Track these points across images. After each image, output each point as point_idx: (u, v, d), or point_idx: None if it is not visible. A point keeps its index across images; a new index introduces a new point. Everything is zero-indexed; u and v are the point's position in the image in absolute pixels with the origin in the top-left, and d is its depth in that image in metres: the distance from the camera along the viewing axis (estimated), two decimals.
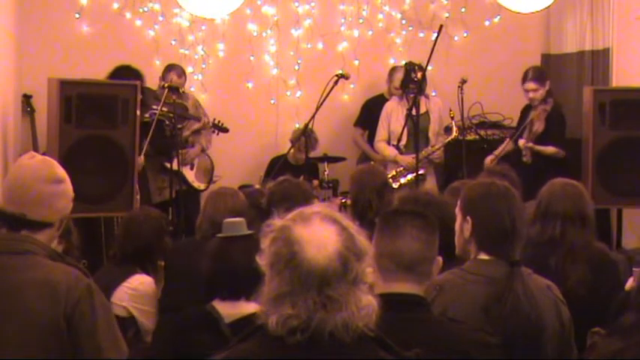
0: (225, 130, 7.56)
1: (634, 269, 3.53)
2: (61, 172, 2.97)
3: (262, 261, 2.03)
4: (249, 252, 3.27)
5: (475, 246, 3.06)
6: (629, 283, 3.46)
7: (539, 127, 7.06)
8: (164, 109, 6.83)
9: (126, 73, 6.79)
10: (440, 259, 2.72)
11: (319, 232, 2.00)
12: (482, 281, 2.97)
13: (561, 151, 7.10)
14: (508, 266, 2.96)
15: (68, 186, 2.98)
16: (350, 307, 1.97)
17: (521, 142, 7.03)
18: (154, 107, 6.84)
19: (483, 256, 3.03)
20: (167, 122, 6.96)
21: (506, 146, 7.19)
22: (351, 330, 1.97)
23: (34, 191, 2.87)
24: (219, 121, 7.53)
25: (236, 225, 3.46)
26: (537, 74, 7.15)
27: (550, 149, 7.06)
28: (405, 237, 2.62)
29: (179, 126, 7.10)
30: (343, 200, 6.50)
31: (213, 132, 7.58)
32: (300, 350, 1.97)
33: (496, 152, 7.17)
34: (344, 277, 1.97)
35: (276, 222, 2.05)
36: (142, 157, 6.62)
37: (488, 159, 7.12)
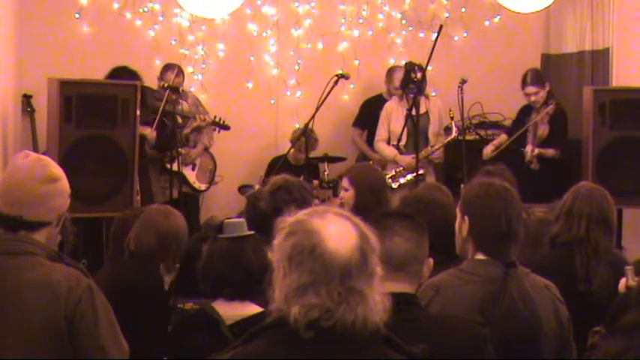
0: (227, 128, 7.55)
1: (625, 267, 3.53)
2: (56, 170, 2.96)
3: (275, 257, 2.01)
4: (258, 251, 3.28)
5: (472, 246, 3.08)
6: (622, 283, 3.48)
7: (544, 131, 7.11)
8: (167, 107, 6.85)
9: (124, 74, 6.79)
10: (431, 260, 2.72)
11: (337, 225, 2.01)
12: (479, 281, 2.98)
13: (558, 152, 7.13)
14: (504, 267, 2.97)
15: (64, 184, 2.96)
16: (369, 301, 1.97)
17: (529, 149, 7.06)
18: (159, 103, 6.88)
19: (480, 256, 3.05)
20: (167, 121, 6.97)
21: (502, 141, 7.24)
22: (369, 325, 1.97)
23: (29, 192, 2.86)
24: (220, 118, 7.52)
25: (237, 225, 3.47)
26: (536, 77, 7.20)
27: (550, 151, 7.10)
28: (393, 238, 2.65)
29: (179, 122, 7.10)
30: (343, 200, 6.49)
31: (214, 129, 7.58)
32: (314, 346, 1.96)
33: (495, 143, 7.24)
34: (364, 269, 1.98)
35: (289, 218, 2.05)
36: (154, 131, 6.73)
37: (488, 149, 7.20)
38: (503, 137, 7.37)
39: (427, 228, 2.75)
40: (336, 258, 1.96)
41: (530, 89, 7.14)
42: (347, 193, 4.82)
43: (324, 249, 1.97)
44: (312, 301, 1.95)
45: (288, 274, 1.99)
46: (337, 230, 2.00)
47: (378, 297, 2.00)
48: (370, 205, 4.51)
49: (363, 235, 2.02)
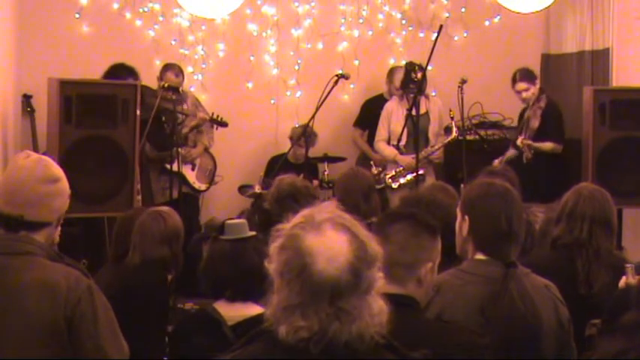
0: (225, 125, 7.55)
1: (626, 265, 3.52)
2: (57, 170, 2.96)
3: (271, 266, 1.99)
4: (260, 252, 3.28)
5: (472, 245, 3.07)
6: (623, 281, 3.47)
7: (534, 123, 7.11)
8: (165, 105, 6.85)
9: (121, 71, 6.79)
10: (430, 264, 2.69)
11: (330, 243, 1.95)
12: (479, 281, 2.97)
13: (558, 145, 7.14)
14: (504, 267, 2.96)
15: (64, 184, 2.96)
16: (364, 317, 1.94)
17: (520, 139, 7.07)
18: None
19: (480, 256, 3.04)
20: (164, 119, 6.97)
21: (509, 152, 7.22)
22: (366, 339, 1.95)
23: (30, 192, 2.86)
24: (217, 116, 7.51)
25: (239, 226, 3.47)
26: (525, 74, 7.24)
27: (548, 145, 7.11)
28: (382, 242, 2.60)
29: (177, 122, 7.10)
30: None
31: (212, 127, 7.58)
32: (311, 355, 1.94)
33: (501, 158, 7.20)
34: (356, 288, 1.94)
35: (285, 227, 2.00)
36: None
37: (496, 162, 7.16)
38: (511, 151, 7.33)
39: (430, 229, 2.72)
40: (325, 280, 1.93)
41: (520, 85, 7.16)
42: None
43: (312, 271, 1.93)
44: (299, 323, 1.93)
45: (280, 290, 1.97)
46: (329, 248, 1.95)
47: (376, 309, 1.97)
48: (348, 208, 4.49)
49: (360, 248, 1.97)
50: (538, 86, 7.21)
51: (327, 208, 2.04)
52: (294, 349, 1.95)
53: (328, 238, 1.97)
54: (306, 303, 1.93)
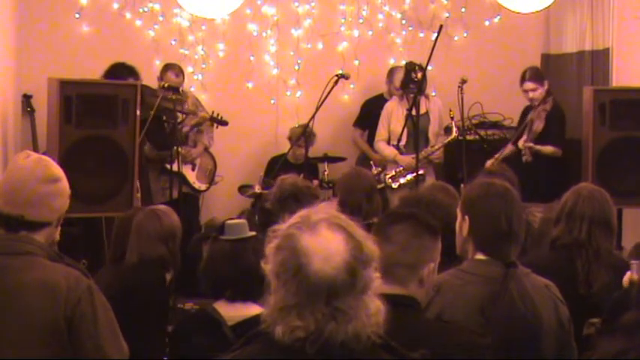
0: (225, 123, 7.54)
1: (632, 262, 3.52)
2: (57, 170, 2.97)
3: (267, 267, 2.00)
4: (260, 253, 3.28)
5: (472, 245, 3.07)
6: (627, 277, 3.47)
7: (538, 125, 7.11)
8: (165, 104, 6.85)
9: (121, 71, 6.79)
10: (432, 265, 2.69)
11: (326, 242, 1.96)
12: (479, 281, 2.97)
13: (559, 150, 7.13)
14: (504, 267, 2.96)
15: (64, 184, 2.97)
16: (360, 317, 1.94)
17: (521, 141, 7.08)
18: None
19: (480, 256, 3.04)
20: (164, 118, 6.97)
21: (506, 150, 7.22)
22: (362, 339, 1.95)
23: (31, 192, 2.87)
24: (217, 114, 7.51)
25: (239, 227, 3.47)
26: (535, 74, 7.21)
27: (548, 149, 7.10)
28: (383, 242, 2.60)
29: (178, 120, 7.09)
30: None
31: (212, 126, 7.58)
32: (308, 355, 1.94)
33: (496, 156, 7.19)
34: (352, 287, 1.95)
35: (281, 227, 2.01)
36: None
37: (489, 163, 7.14)
38: (508, 146, 7.33)
39: (431, 230, 2.72)
40: (321, 280, 1.93)
41: (528, 85, 7.15)
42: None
43: (308, 272, 1.93)
44: (295, 323, 1.94)
45: (276, 291, 1.98)
46: (325, 248, 1.95)
47: (372, 309, 1.97)
48: (350, 208, 4.46)
49: (356, 248, 1.97)
50: (546, 87, 7.18)
51: (323, 209, 2.04)
52: (290, 349, 1.95)
53: (324, 238, 1.97)
54: (302, 303, 1.94)
